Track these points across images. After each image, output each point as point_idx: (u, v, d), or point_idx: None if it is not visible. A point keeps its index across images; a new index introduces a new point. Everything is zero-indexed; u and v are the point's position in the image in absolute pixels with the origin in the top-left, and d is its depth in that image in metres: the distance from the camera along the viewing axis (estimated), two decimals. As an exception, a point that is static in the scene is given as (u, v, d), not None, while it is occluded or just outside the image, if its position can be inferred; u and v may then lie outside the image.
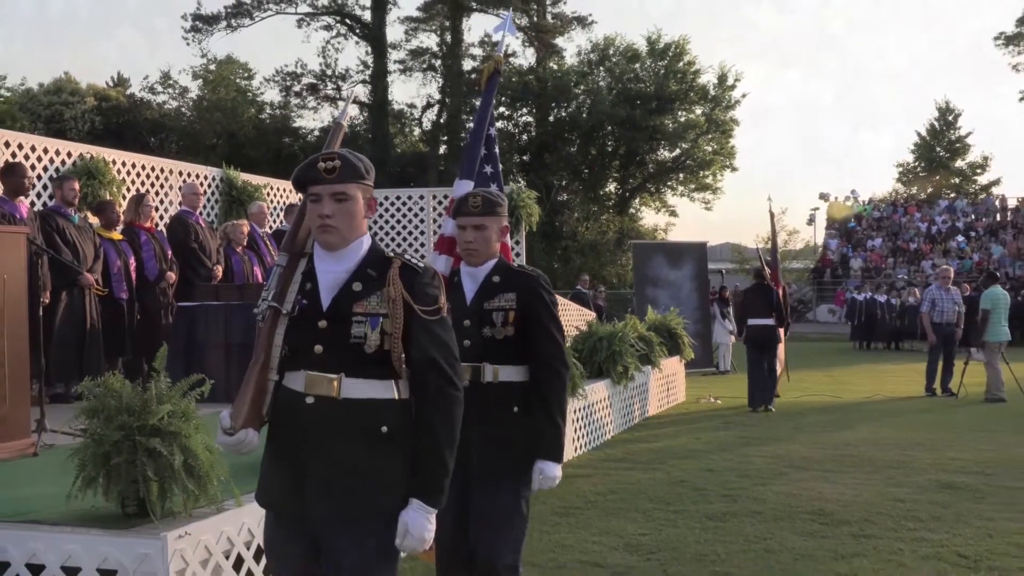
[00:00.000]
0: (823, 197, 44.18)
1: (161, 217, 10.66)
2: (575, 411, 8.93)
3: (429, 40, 43.55)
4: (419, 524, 2.62)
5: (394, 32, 43.68)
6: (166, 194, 11.42)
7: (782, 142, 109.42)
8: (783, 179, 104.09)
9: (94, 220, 8.81)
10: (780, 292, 13.00)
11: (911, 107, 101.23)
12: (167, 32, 77.10)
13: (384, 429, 2.66)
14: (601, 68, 42.83)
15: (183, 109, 43.04)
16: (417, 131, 45.48)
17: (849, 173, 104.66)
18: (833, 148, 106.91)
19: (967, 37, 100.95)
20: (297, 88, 43.25)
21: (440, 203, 14.12)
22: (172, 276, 8.93)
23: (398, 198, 14.64)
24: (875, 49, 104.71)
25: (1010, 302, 14.73)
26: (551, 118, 42.90)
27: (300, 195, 2.77)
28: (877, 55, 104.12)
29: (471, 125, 5.32)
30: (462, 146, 6.00)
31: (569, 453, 8.72)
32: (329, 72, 43.08)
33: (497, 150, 5.29)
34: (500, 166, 5.33)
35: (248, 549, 4.02)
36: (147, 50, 79.15)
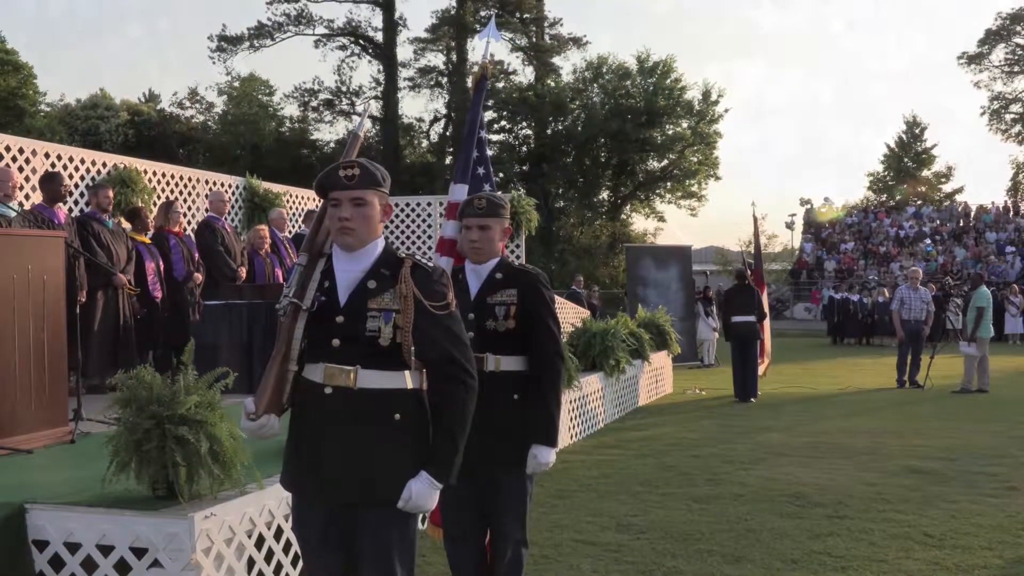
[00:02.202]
0: (803, 203, 44.26)
1: (189, 222, 10.65)
2: (571, 401, 8.93)
3: (436, 59, 43.62)
4: (423, 492, 2.65)
5: (404, 52, 43.74)
6: (193, 201, 11.41)
7: (782, 142, 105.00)
8: (779, 181, 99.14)
9: (127, 225, 8.81)
10: (762, 292, 13.04)
11: (910, 108, 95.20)
12: (168, 33, 76.07)
13: (397, 416, 2.67)
14: (595, 85, 42.84)
15: (209, 123, 43.11)
16: (425, 143, 45.53)
17: (848, 173, 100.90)
18: (832, 148, 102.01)
19: (964, 39, 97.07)
20: (314, 104, 43.35)
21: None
22: (199, 277, 8.92)
23: (407, 205, 14.63)
24: (875, 49, 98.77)
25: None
26: (549, 131, 42.89)
27: (321, 200, 2.79)
28: (877, 55, 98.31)
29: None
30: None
31: (565, 440, 8.71)
32: (344, 89, 43.19)
33: (488, 152, 5.12)
34: (492, 167, 5.21)
35: (269, 529, 4.02)
36: (147, 49, 77.35)
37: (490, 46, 5.33)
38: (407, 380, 2.70)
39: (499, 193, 4.09)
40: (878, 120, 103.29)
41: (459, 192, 4.71)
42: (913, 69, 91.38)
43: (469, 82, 41.94)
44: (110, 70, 75.64)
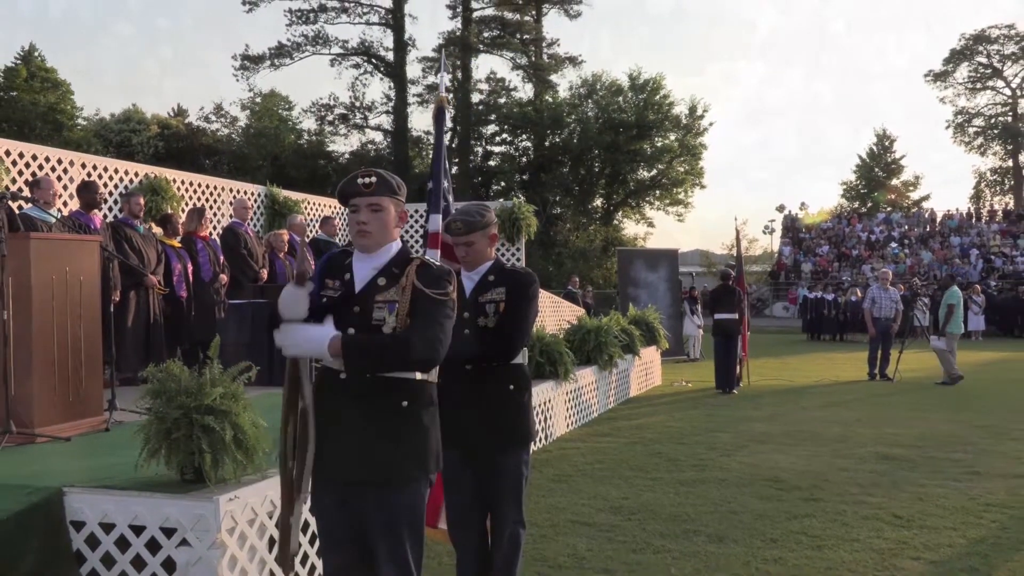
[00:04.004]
0: (779, 209, 44.22)
1: (214, 227, 10.65)
2: (567, 393, 8.93)
3: (439, 78, 43.52)
4: (307, 331, 2.58)
5: (413, 70, 43.76)
6: (219, 208, 11.42)
7: (778, 143, 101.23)
8: (767, 184, 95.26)
9: (157, 230, 8.81)
10: (743, 293, 13.09)
11: (910, 108, 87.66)
12: (168, 33, 73.97)
13: (404, 404, 2.68)
14: (589, 100, 42.81)
15: (233, 136, 43.10)
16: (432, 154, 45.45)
17: (842, 175, 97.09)
18: (829, 150, 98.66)
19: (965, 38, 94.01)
20: (330, 118, 43.34)
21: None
22: (224, 278, 8.92)
23: (416, 211, 14.63)
24: (875, 49, 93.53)
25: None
26: (547, 143, 42.90)
27: (342, 206, 2.81)
28: (877, 55, 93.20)
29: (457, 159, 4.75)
30: (430, 186, 4.99)
31: (561, 429, 8.71)
32: (357, 104, 43.21)
33: (447, 183, 4.73)
34: (451, 193, 4.83)
35: (288, 510, 4.01)
36: (147, 48, 76.46)
37: (444, 80, 5.16)
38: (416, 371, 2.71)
39: (483, 203, 3.96)
40: (878, 121, 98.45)
41: (435, 222, 4.49)
42: (912, 70, 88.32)
43: (473, 98, 42.11)
44: (113, 75, 74.07)
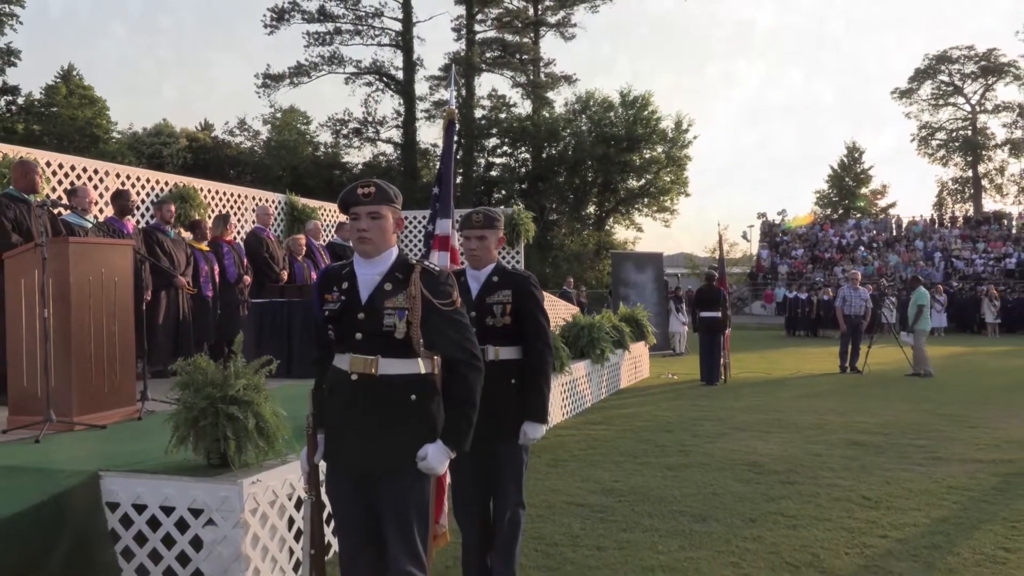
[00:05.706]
0: (759, 216, 44.17)
1: (239, 232, 10.64)
2: (563, 384, 8.92)
3: (448, 94, 43.57)
4: (437, 456, 2.67)
5: (421, 87, 43.66)
6: (243, 214, 11.41)
7: (782, 142, 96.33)
8: (754, 188, 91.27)
9: (187, 235, 8.81)
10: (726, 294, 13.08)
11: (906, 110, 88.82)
12: (169, 31, 71.86)
13: (413, 398, 2.68)
14: (583, 116, 42.85)
15: (256, 148, 43.13)
16: (439, 165, 45.38)
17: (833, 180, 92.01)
18: (831, 149, 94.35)
19: (967, 39, 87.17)
20: (345, 132, 43.37)
21: (456, 222, 14.00)
22: (248, 279, 8.92)
23: (424, 218, 14.63)
24: (875, 49, 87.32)
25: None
26: (544, 155, 42.91)
27: (344, 215, 2.79)
28: (877, 55, 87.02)
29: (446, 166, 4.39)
30: (434, 192, 4.72)
31: (557, 418, 8.71)
32: (370, 119, 43.22)
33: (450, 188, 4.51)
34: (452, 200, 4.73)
35: (306, 493, 4.01)
36: (146, 48, 74.68)
37: (455, 95, 5.02)
38: (421, 366, 2.70)
39: (494, 208, 3.98)
40: (878, 122, 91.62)
41: (444, 226, 4.36)
42: (909, 72, 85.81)
43: (477, 114, 42.04)
44: (112, 77, 72.20)
